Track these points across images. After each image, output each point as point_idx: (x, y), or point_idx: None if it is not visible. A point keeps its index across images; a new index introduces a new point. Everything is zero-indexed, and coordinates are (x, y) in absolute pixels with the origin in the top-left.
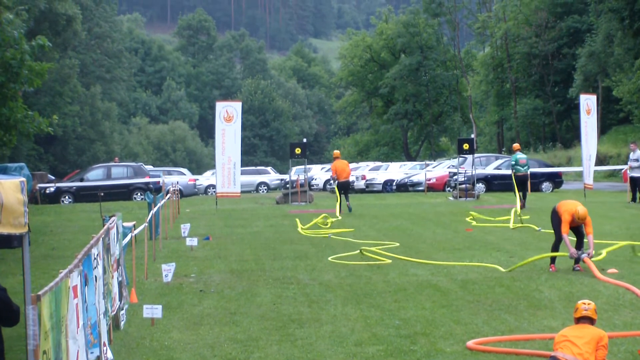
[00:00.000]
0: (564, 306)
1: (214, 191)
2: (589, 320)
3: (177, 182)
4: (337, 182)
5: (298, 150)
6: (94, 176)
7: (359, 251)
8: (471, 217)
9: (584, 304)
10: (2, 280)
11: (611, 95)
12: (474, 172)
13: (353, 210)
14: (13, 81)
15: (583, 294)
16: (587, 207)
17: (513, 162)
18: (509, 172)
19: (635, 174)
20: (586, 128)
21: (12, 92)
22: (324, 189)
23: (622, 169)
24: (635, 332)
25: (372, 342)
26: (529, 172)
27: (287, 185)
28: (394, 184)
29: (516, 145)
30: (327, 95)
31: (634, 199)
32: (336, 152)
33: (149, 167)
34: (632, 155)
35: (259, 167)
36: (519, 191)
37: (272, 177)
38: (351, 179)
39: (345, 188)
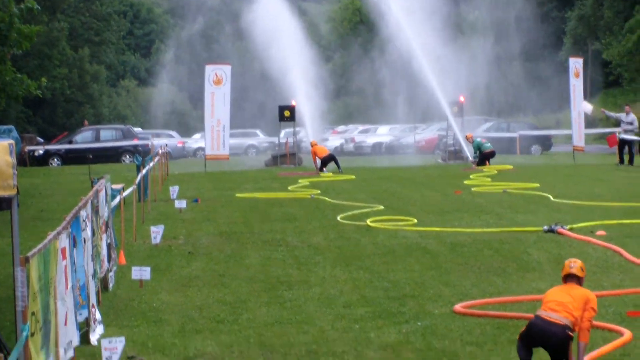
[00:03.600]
0: (553, 268)
1: (203, 154)
2: (576, 278)
3: (166, 145)
4: (320, 162)
5: (287, 113)
6: (83, 139)
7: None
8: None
9: (571, 261)
10: None
11: (601, 58)
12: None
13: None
14: (2, 44)
15: (571, 255)
16: (577, 170)
17: (477, 149)
18: (497, 134)
19: (627, 137)
20: (574, 91)
21: (1, 55)
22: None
23: (611, 132)
24: (624, 291)
25: (361, 304)
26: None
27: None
28: (384, 146)
29: (469, 135)
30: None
31: (621, 162)
32: (313, 141)
33: (138, 130)
34: (625, 118)
35: (247, 130)
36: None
37: (261, 139)
38: (340, 142)
39: (330, 160)
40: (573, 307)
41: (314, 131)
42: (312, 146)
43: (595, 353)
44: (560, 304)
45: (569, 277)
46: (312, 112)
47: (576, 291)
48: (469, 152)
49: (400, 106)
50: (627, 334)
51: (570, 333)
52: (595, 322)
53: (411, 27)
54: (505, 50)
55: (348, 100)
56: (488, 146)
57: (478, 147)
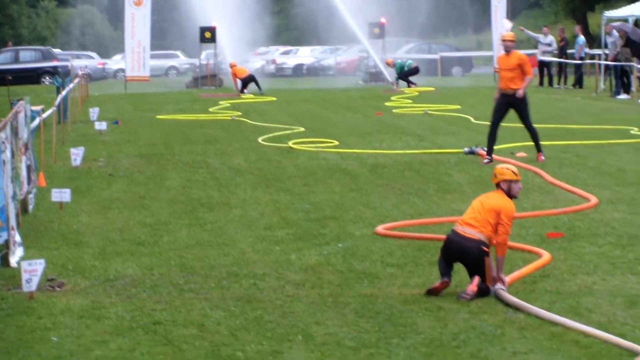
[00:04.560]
0: (473, 190)
1: (123, 75)
2: (497, 186)
3: (86, 66)
4: (241, 83)
5: (208, 35)
6: (1, 60)
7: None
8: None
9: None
10: None
11: None
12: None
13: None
14: None
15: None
16: (495, 92)
17: (400, 70)
18: (418, 56)
19: (545, 58)
20: (496, 12)
21: None
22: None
23: (532, 54)
24: (543, 212)
25: (282, 226)
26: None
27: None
28: (305, 68)
29: (389, 60)
30: None
31: (541, 83)
32: (232, 62)
33: (58, 51)
34: (543, 40)
35: (168, 51)
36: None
37: (181, 61)
38: (262, 63)
39: (250, 80)
40: (483, 219)
41: (235, 53)
42: (231, 67)
43: (515, 274)
44: (474, 217)
45: (497, 186)
46: (233, 33)
47: (490, 202)
48: (388, 74)
49: (321, 27)
50: (546, 255)
51: (485, 248)
52: (514, 244)
53: None
54: None
55: (270, 21)
56: (410, 63)
57: (401, 68)
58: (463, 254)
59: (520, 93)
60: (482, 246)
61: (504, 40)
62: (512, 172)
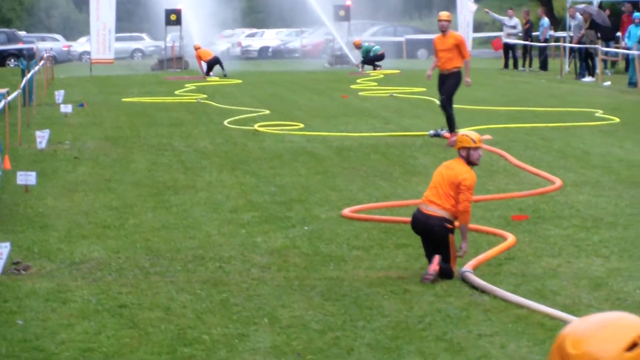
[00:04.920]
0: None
1: (89, 57)
2: (458, 153)
3: (51, 49)
4: (207, 66)
5: (173, 17)
6: None
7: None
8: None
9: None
10: None
11: None
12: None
13: (227, 77)
14: None
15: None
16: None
17: (365, 53)
18: (384, 38)
19: (510, 41)
20: None
21: None
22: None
23: (496, 37)
24: (508, 195)
25: (248, 209)
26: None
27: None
28: (270, 50)
29: (357, 42)
30: None
31: (506, 66)
32: (196, 44)
33: (22, 33)
34: (508, 22)
35: (133, 34)
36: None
37: (147, 43)
38: (227, 45)
39: (215, 62)
40: (445, 193)
41: (202, 35)
42: (195, 50)
43: (481, 257)
44: (436, 194)
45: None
46: (199, 16)
47: (449, 172)
48: (353, 57)
49: (287, 10)
50: (511, 238)
51: (448, 225)
52: (480, 227)
53: None
54: None
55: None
56: (377, 49)
57: (367, 51)
58: (427, 232)
59: (468, 82)
60: (445, 223)
61: (439, 20)
62: (471, 139)
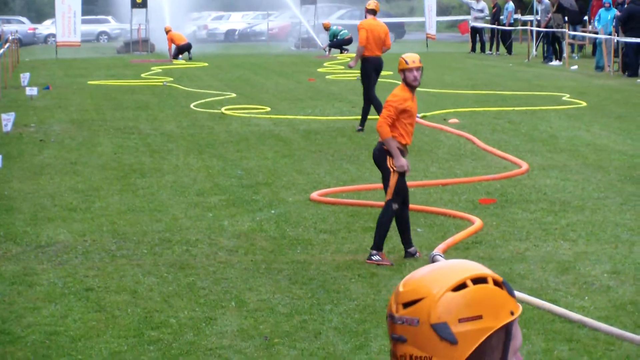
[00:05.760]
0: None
1: (54, 40)
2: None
3: (16, 31)
4: (177, 50)
5: (139, 0)
6: None
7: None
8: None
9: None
10: None
11: None
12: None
13: (194, 59)
14: None
15: (424, 143)
16: (430, 57)
17: (332, 36)
18: (351, 22)
19: (478, 25)
20: None
21: None
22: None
23: (463, 20)
24: (476, 178)
25: (214, 192)
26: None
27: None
28: (237, 33)
29: (326, 23)
30: None
31: (473, 50)
32: (167, 26)
33: None
34: (476, 6)
35: (99, 17)
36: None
37: (113, 26)
38: (193, 28)
39: (187, 49)
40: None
41: (171, 18)
42: (166, 32)
43: (450, 240)
44: None
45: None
46: None
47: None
48: (320, 40)
49: None
50: (478, 222)
51: (384, 147)
52: (447, 210)
53: None
54: None
55: None
56: (345, 33)
57: (334, 35)
58: (374, 160)
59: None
60: (382, 146)
61: (370, 10)
62: (404, 60)
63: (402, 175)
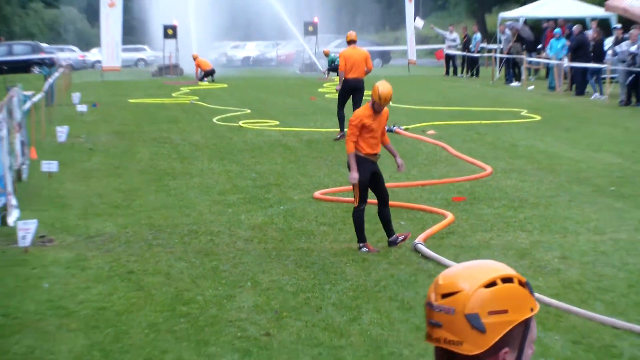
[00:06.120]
0: (392, 161)
1: (100, 65)
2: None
3: (69, 58)
4: (203, 74)
5: (170, 31)
6: None
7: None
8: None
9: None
10: None
11: None
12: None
13: (215, 81)
14: None
15: (407, 151)
16: (411, 80)
17: (331, 62)
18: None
19: (451, 52)
20: (409, 13)
21: None
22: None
23: (439, 48)
24: (449, 180)
25: (233, 192)
26: None
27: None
28: (251, 60)
29: (326, 51)
30: None
31: (447, 73)
32: (195, 54)
33: (45, 45)
34: (449, 36)
35: (137, 46)
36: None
37: (148, 54)
38: (215, 55)
39: (211, 73)
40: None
41: (197, 46)
42: (194, 59)
43: (428, 231)
44: None
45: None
46: (193, 30)
47: None
48: (321, 65)
49: (265, 25)
50: (450, 216)
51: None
52: (425, 207)
53: None
54: None
55: (219, 20)
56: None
57: (332, 61)
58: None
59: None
60: (348, 160)
61: (350, 40)
62: (378, 96)
63: (361, 183)
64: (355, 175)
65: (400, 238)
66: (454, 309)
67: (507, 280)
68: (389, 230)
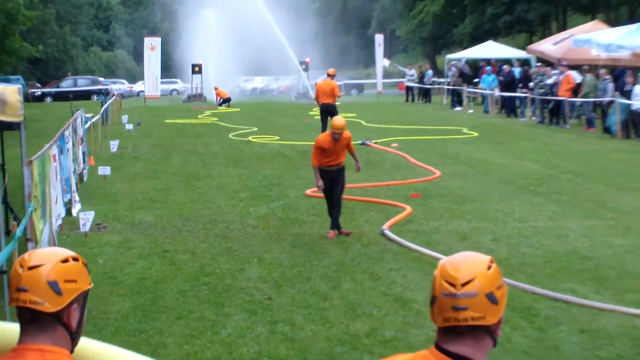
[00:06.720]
0: (365, 167)
1: (144, 94)
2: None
3: (120, 89)
4: (221, 101)
5: (197, 69)
6: (66, 85)
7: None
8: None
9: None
10: (7, 151)
11: (395, 34)
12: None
13: (231, 106)
14: (12, 22)
15: (376, 160)
16: (379, 105)
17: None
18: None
19: (410, 84)
20: (379, 55)
21: (12, 30)
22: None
23: (400, 81)
24: (409, 181)
25: (244, 190)
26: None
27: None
28: (258, 90)
29: (317, 82)
30: None
31: (407, 100)
32: (216, 86)
33: (102, 79)
34: (408, 72)
35: (172, 79)
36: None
37: (180, 85)
38: (231, 86)
39: (228, 100)
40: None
41: (218, 80)
42: (215, 89)
43: (392, 220)
44: None
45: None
46: (215, 67)
47: None
48: (312, 93)
49: (270, 63)
50: (409, 208)
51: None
52: (389, 201)
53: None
54: (334, 27)
55: (234, 60)
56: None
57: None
58: None
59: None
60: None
61: (329, 75)
62: (333, 128)
63: (321, 188)
64: (320, 184)
65: (345, 233)
66: (477, 292)
67: (492, 261)
68: (335, 225)
